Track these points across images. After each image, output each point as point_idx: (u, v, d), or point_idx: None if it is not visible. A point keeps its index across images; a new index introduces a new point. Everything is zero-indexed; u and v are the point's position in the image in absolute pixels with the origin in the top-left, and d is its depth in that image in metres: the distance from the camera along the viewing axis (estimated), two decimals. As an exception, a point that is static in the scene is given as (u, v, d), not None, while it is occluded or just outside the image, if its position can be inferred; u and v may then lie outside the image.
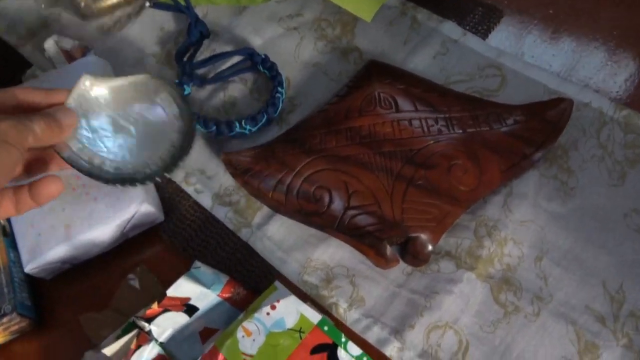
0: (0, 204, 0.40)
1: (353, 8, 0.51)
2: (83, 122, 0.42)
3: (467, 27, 0.56)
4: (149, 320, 0.44)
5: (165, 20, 0.64)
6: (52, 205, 0.51)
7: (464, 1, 0.58)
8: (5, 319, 0.47)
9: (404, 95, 0.50)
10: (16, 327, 0.48)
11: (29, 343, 0.50)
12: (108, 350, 0.42)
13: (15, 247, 0.51)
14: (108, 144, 0.43)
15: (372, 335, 0.45)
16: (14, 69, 0.63)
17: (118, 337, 0.44)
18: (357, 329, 0.45)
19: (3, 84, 0.61)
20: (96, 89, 0.43)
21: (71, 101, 0.41)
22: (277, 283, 0.45)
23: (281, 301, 0.43)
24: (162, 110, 0.44)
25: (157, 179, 0.43)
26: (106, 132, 0.43)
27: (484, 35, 0.56)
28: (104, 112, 0.43)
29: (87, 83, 0.43)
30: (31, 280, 0.52)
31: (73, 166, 0.41)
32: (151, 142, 0.44)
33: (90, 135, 0.42)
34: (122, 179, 0.42)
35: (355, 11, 0.51)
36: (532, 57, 0.54)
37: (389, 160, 0.48)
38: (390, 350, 0.44)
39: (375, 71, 0.53)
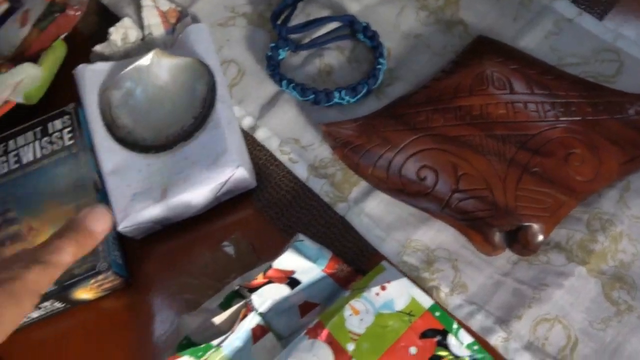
0: None
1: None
2: (137, 91, 0.53)
3: (583, 6, 0.54)
4: (252, 290, 0.44)
5: (257, -20, 0.62)
6: (150, 169, 0.50)
7: (580, -22, 0.55)
8: (100, 277, 0.47)
9: (518, 76, 0.48)
10: (109, 284, 0.49)
11: (118, 300, 0.51)
12: (218, 319, 0.42)
13: (107, 203, 0.50)
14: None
15: (476, 323, 0.44)
16: (103, 24, 0.61)
17: (222, 305, 0.43)
18: (459, 315, 0.44)
19: (93, 39, 0.60)
20: (156, 64, 0.53)
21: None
22: (384, 263, 0.44)
23: (392, 282, 0.42)
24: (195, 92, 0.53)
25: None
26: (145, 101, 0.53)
27: (600, 15, 0.53)
28: (152, 84, 0.53)
29: (153, 57, 0.52)
30: (120, 240, 0.52)
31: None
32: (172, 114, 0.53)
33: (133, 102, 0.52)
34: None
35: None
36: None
37: (502, 144, 0.46)
38: (495, 339, 0.43)
39: (486, 48, 0.51)
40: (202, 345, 0.40)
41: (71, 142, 0.53)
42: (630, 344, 0.42)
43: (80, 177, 0.51)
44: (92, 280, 0.47)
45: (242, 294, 0.44)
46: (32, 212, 0.50)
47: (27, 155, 0.53)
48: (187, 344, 0.42)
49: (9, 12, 0.58)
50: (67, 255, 0.35)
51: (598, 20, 0.53)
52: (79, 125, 0.54)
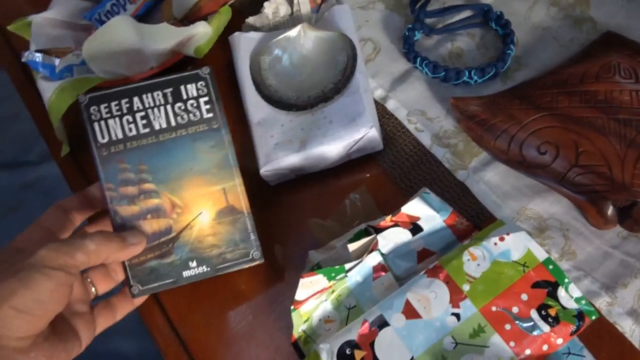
0: (99, 318, 0.47)
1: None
2: (285, 58, 0.59)
3: None
4: (379, 231, 0.49)
5: (398, -31, 0.68)
6: (292, 124, 0.57)
7: None
8: (253, 264, 0.50)
9: (645, 69, 0.52)
10: (252, 265, 0.51)
11: (254, 271, 0.54)
12: (352, 247, 0.48)
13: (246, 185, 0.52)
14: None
15: (582, 287, 0.47)
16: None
17: (350, 241, 0.49)
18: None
19: (243, 12, 0.68)
20: (303, 36, 0.59)
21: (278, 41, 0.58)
22: (504, 218, 0.48)
23: (511, 235, 0.46)
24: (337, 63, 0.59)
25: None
26: (290, 67, 0.59)
27: None
28: (298, 52, 0.59)
29: (300, 30, 0.59)
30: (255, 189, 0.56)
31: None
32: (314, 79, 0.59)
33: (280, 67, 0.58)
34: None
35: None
36: None
37: (624, 127, 0.49)
38: (600, 303, 0.47)
39: (614, 42, 0.54)
40: (336, 267, 0.46)
41: (210, 114, 0.51)
42: None
43: (224, 158, 0.50)
44: (245, 267, 0.50)
45: (369, 233, 0.49)
46: (173, 189, 0.50)
47: (160, 121, 0.50)
48: (318, 268, 0.48)
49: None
50: (90, 241, 0.42)
51: None
52: (217, 97, 0.51)
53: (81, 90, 0.58)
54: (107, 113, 0.50)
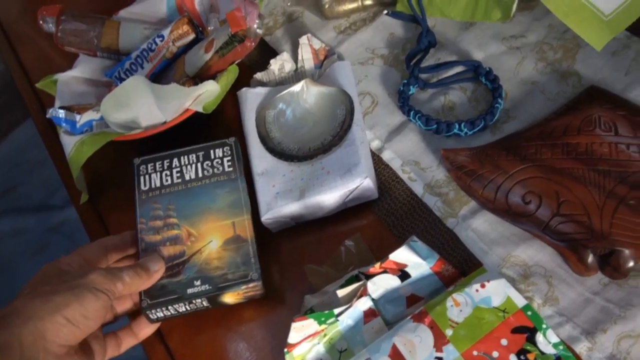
0: (107, 346, 0.52)
1: (586, 35, 0.55)
2: (288, 112, 0.65)
3: (694, 66, 0.59)
4: (369, 277, 0.52)
5: (395, 28, 0.72)
6: (293, 174, 0.60)
7: (693, 41, 0.60)
8: (251, 285, 0.55)
9: (624, 122, 0.54)
10: (252, 293, 0.56)
11: (254, 307, 0.59)
12: (340, 292, 0.51)
13: (255, 224, 0.59)
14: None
15: (564, 332, 0.49)
16: (262, 56, 0.74)
17: (342, 286, 0.52)
18: (549, 324, 0.50)
19: (252, 68, 0.73)
20: (306, 91, 0.65)
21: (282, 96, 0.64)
22: (486, 266, 0.51)
23: (491, 282, 0.48)
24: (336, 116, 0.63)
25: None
26: (293, 120, 0.65)
27: None
28: (301, 106, 0.64)
29: (303, 85, 0.64)
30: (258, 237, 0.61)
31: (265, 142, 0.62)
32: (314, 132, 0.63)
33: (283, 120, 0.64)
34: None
35: (588, 38, 0.55)
36: None
37: (603, 178, 0.52)
38: (580, 348, 0.48)
39: (597, 96, 0.57)
40: (325, 312, 0.49)
41: (230, 169, 0.62)
42: None
43: (237, 199, 0.60)
44: (244, 287, 0.55)
45: (360, 279, 0.52)
46: (191, 222, 0.59)
47: (190, 174, 0.62)
48: (311, 312, 0.51)
49: (193, 42, 0.72)
50: (126, 274, 0.50)
51: None
52: (238, 157, 0.63)
53: (99, 144, 0.63)
54: (151, 169, 0.64)
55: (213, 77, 0.67)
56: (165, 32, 0.71)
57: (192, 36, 0.72)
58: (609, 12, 0.55)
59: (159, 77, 0.73)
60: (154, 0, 0.77)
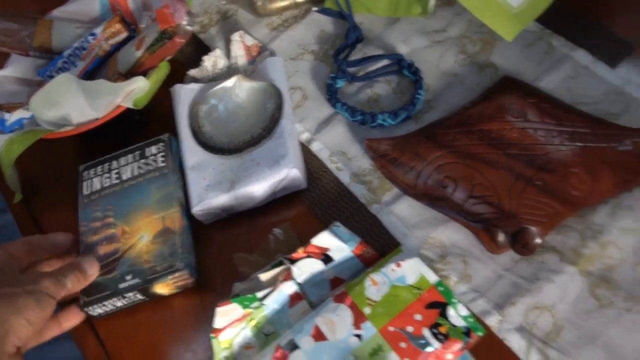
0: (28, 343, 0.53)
1: (497, 28, 0.58)
2: (220, 107, 0.66)
3: (599, 56, 0.62)
4: (293, 262, 0.54)
5: (325, 24, 0.74)
6: (223, 167, 0.62)
7: (595, 33, 0.63)
8: (177, 274, 0.57)
9: (533, 108, 0.57)
10: (182, 282, 0.58)
11: (188, 297, 0.60)
12: (263, 277, 0.52)
13: (187, 216, 0.62)
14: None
15: (477, 307, 0.52)
16: (196, 52, 0.76)
17: (267, 271, 0.53)
18: (464, 299, 0.52)
19: (186, 64, 0.74)
20: (238, 86, 0.66)
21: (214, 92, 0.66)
22: (402, 247, 0.53)
23: (406, 261, 0.51)
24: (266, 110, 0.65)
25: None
26: (225, 114, 0.66)
27: (614, 64, 0.62)
28: (233, 101, 0.66)
29: (236, 81, 0.66)
30: (192, 228, 0.63)
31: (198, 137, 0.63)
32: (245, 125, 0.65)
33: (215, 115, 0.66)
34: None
35: (499, 31, 0.59)
36: (658, 90, 0.59)
37: (513, 161, 0.55)
38: (491, 320, 0.51)
39: (510, 85, 0.60)
40: (249, 296, 0.51)
41: (163, 164, 0.64)
42: (607, 334, 0.48)
43: (168, 194, 0.62)
44: (170, 277, 0.57)
45: (284, 264, 0.54)
46: (126, 220, 0.61)
47: (127, 173, 0.65)
48: (237, 297, 0.52)
49: (126, 40, 0.73)
50: (69, 280, 0.53)
51: (610, 68, 0.61)
52: (171, 152, 0.65)
53: (29, 141, 0.63)
54: (93, 174, 0.66)
55: (145, 73, 0.68)
56: (98, 31, 0.72)
57: (124, 34, 0.72)
58: (517, 4, 0.58)
59: (92, 75, 0.73)
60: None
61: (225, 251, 0.61)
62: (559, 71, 0.62)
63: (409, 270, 0.51)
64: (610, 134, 0.55)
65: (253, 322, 0.53)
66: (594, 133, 0.55)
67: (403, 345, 0.48)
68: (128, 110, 0.65)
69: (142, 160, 0.65)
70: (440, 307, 0.49)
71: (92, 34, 0.72)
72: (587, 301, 0.50)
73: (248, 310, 0.52)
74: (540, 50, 0.64)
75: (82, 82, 0.63)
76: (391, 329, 0.49)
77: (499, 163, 0.55)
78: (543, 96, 0.59)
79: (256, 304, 0.52)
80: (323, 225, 0.60)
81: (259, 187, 0.60)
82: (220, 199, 0.61)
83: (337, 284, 0.54)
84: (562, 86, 0.61)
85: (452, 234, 0.56)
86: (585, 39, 0.64)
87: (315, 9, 0.75)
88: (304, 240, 0.60)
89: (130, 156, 0.66)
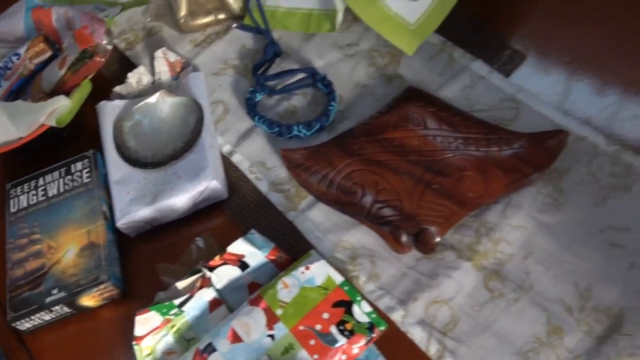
0: None
1: (398, 43, 0.63)
2: (144, 122, 0.69)
3: (494, 67, 0.67)
4: (211, 269, 0.57)
5: (246, 40, 0.78)
6: (146, 181, 0.64)
7: (493, 44, 0.69)
8: (101, 286, 0.59)
9: (432, 117, 0.62)
10: (108, 294, 0.61)
11: (115, 309, 0.63)
12: (180, 284, 0.55)
13: (113, 230, 0.64)
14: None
15: (383, 303, 0.56)
16: (123, 69, 0.78)
17: (184, 279, 0.56)
18: (371, 297, 0.56)
19: (113, 81, 0.76)
20: (161, 102, 0.69)
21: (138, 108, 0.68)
22: (312, 251, 0.57)
23: (314, 264, 0.55)
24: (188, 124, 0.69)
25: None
26: (149, 129, 0.69)
27: (507, 74, 0.67)
28: (156, 117, 0.69)
29: (159, 96, 0.69)
30: (118, 241, 0.65)
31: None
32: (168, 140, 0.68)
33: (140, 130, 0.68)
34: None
35: (400, 45, 0.63)
36: (545, 95, 0.64)
37: (413, 167, 0.59)
38: (396, 316, 0.55)
39: (412, 95, 0.65)
40: (166, 303, 0.53)
41: (88, 180, 0.66)
42: (499, 322, 0.53)
43: (93, 208, 0.64)
44: (95, 289, 0.59)
45: (202, 272, 0.57)
46: (52, 235, 0.63)
47: (53, 190, 0.66)
48: (155, 305, 0.55)
49: (51, 59, 0.75)
50: None
51: (505, 77, 0.67)
52: (96, 167, 0.67)
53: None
54: (20, 192, 0.68)
55: (69, 92, 0.70)
56: (22, 51, 0.74)
57: (48, 53, 0.74)
58: (413, 21, 0.63)
59: (17, 94, 0.75)
60: (11, 18, 0.79)
61: (150, 262, 0.64)
62: (458, 81, 0.67)
63: (317, 272, 0.54)
64: (502, 138, 0.60)
65: (174, 329, 0.56)
66: (486, 138, 0.60)
67: (312, 342, 0.51)
68: (54, 127, 0.67)
69: (68, 177, 0.67)
70: (345, 305, 0.53)
71: (16, 54, 0.73)
72: (481, 293, 0.55)
73: (168, 317, 0.55)
74: (441, 61, 0.69)
75: (2, 104, 0.65)
76: (301, 328, 0.52)
77: (401, 169, 0.59)
78: (442, 105, 0.64)
79: (175, 310, 0.55)
80: (243, 233, 0.63)
81: (180, 200, 0.63)
82: (143, 212, 0.63)
83: (255, 289, 0.57)
84: (461, 95, 0.66)
85: (362, 237, 0.60)
86: (482, 50, 0.69)
87: (235, 25, 0.78)
88: (225, 248, 0.63)
89: (56, 173, 0.68)
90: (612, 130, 0.61)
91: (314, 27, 0.73)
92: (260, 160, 0.68)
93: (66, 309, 0.60)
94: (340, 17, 0.70)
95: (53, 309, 0.59)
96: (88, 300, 0.61)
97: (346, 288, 0.54)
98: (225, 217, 0.66)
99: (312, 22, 0.73)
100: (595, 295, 0.53)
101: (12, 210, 0.67)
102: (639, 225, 0.55)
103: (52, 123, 0.66)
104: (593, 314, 0.52)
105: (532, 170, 0.58)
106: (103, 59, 0.69)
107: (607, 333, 0.51)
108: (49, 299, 0.59)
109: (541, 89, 0.65)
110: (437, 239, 0.56)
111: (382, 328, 0.52)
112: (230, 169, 0.68)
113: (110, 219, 0.65)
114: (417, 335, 0.54)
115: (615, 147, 0.59)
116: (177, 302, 0.54)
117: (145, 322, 0.53)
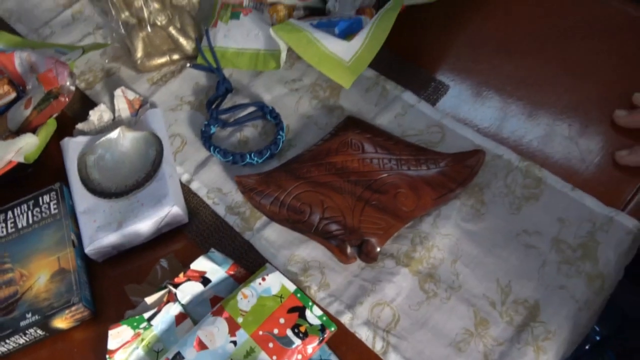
0: None
1: (336, 78, 0.71)
2: (107, 156, 0.75)
3: (422, 96, 0.77)
4: (176, 285, 0.63)
5: (199, 78, 0.85)
6: (112, 210, 0.70)
7: (420, 78, 0.78)
8: (73, 308, 0.64)
9: (369, 142, 0.70)
10: (79, 315, 0.65)
11: (86, 329, 0.67)
12: (149, 300, 0.61)
13: (81, 256, 0.69)
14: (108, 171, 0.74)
15: (333, 309, 0.63)
16: (84, 108, 0.84)
17: (152, 295, 0.62)
18: (322, 304, 0.63)
19: (75, 119, 0.82)
20: (122, 137, 0.75)
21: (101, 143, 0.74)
22: (267, 264, 0.64)
23: (270, 275, 0.61)
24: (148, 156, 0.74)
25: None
26: (112, 162, 0.75)
27: (433, 103, 0.76)
28: (118, 150, 0.75)
29: (120, 132, 0.75)
30: (87, 266, 0.70)
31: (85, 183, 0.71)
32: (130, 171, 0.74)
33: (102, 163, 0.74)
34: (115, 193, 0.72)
35: (338, 80, 0.71)
36: (466, 120, 0.74)
37: (354, 186, 0.67)
38: (345, 318, 0.62)
39: (351, 124, 0.73)
40: (136, 317, 0.59)
41: (56, 211, 0.71)
42: (434, 318, 0.61)
43: (61, 236, 0.68)
44: (67, 311, 0.64)
45: (169, 288, 0.63)
46: (23, 263, 0.67)
47: (22, 222, 0.71)
48: (126, 319, 0.60)
49: (15, 100, 0.80)
50: None
51: (431, 106, 0.76)
52: (63, 199, 0.72)
53: None
54: None
55: (34, 130, 0.75)
56: (-14, 93, 0.78)
57: (13, 95, 0.79)
58: (347, 59, 0.71)
59: (-17, 134, 0.79)
60: (-26, 64, 0.84)
61: (118, 284, 0.69)
62: (391, 110, 0.76)
63: (272, 283, 0.61)
64: (429, 159, 0.69)
65: (144, 342, 0.61)
66: (416, 159, 0.69)
67: (271, 345, 0.58)
68: (20, 163, 0.72)
69: (36, 209, 0.72)
70: (299, 310, 0.60)
71: (-19, 97, 0.78)
72: (418, 294, 0.63)
73: (138, 331, 0.60)
74: (376, 93, 0.78)
75: (-26, 142, 0.70)
76: (260, 333, 0.58)
77: (343, 189, 0.67)
78: (377, 131, 0.72)
79: (144, 324, 0.60)
80: (204, 252, 0.70)
81: (144, 225, 0.69)
82: (110, 238, 0.68)
83: (217, 302, 0.63)
84: (394, 122, 0.75)
85: (312, 251, 0.67)
86: (412, 82, 0.78)
87: (189, 64, 0.85)
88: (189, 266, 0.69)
89: (24, 206, 0.72)
90: (523, 149, 0.70)
91: (261, 66, 0.81)
92: (216, 187, 0.74)
93: (40, 332, 0.65)
94: (284, 56, 0.78)
95: (27, 331, 0.64)
96: (61, 322, 0.65)
97: (299, 295, 0.60)
98: (186, 239, 0.72)
99: (259, 61, 0.80)
100: (514, 290, 0.61)
101: None
102: (548, 229, 0.64)
103: (21, 159, 0.71)
104: (513, 307, 0.61)
105: (457, 185, 0.67)
106: (67, 99, 0.74)
107: (525, 322, 0.60)
108: (23, 323, 0.64)
109: (462, 115, 0.74)
110: (378, 249, 0.64)
111: (333, 329, 0.59)
112: (189, 196, 0.74)
113: (78, 245, 0.70)
114: (364, 334, 0.61)
115: (526, 163, 0.69)
116: (146, 315, 0.60)
117: (118, 335, 0.59)
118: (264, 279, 0.61)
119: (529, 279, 0.62)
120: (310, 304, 0.60)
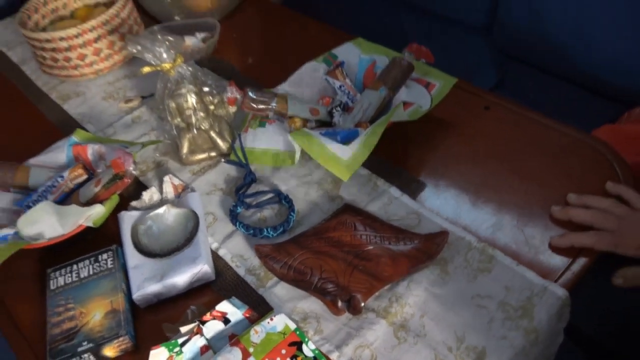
0: None
1: (336, 173, 0.93)
2: (154, 226, 0.94)
3: (405, 191, 0.98)
4: (203, 322, 0.81)
5: (231, 170, 1.07)
6: (156, 266, 0.89)
7: (404, 177, 1.00)
8: (120, 339, 0.82)
9: (360, 223, 0.90)
10: (124, 346, 0.83)
11: (129, 358, 0.85)
12: (183, 329, 0.78)
13: (129, 301, 0.88)
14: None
15: (324, 348, 0.80)
16: (138, 190, 1.06)
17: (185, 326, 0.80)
18: (316, 345, 0.80)
19: (130, 198, 1.03)
20: (167, 212, 0.95)
21: (150, 216, 0.94)
22: (274, 311, 0.82)
23: (276, 317, 0.79)
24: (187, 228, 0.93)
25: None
26: (158, 232, 0.95)
27: (414, 196, 0.97)
28: (163, 223, 0.94)
29: (166, 208, 0.95)
30: (133, 310, 0.89)
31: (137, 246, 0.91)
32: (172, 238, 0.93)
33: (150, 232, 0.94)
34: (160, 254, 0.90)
35: (338, 175, 0.93)
36: (438, 210, 0.94)
37: (346, 255, 0.86)
38: (333, 356, 0.79)
39: (347, 209, 0.94)
40: (172, 342, 0.77)
41: (112, 265, 0.91)
42: (403, 359, 0.78)
43: (114, 285, 0.88)
44: (115, 341, 0.82)
45: (197, 323, 0.81)
46: (83, 304, 0.86)
47: (84, 273, 0.89)
48: (164, 343, 0.78)
49: (86, 180, 1.02)
50: None
51: (412, 198, 0.96)
52: (117, 257, 0.92)
53: (13, 250, 0.89)
54: (58, 274, 0.90)
55: (101, 202, 0.97)
56: (65, 174, 1.01)
57: (84, 176, 1.02)
58: (346, 158, 0.93)
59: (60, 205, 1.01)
60: (56, 152, 1.08)
61: (156, 325, 0.87)
62: (380, 200, 0.97)
63: (278, 322, 0.79)
64: (407, 237, 0.88)
65: (175, 366, 0.78)
66: (396, 237, 0.88)
67: (274, 370, 0.75)
68: (88, 227, 0.93)
69: (96, 264, 0.91)
70: (297, 344, 0.77)
71: (61, 176, 1.01)
72: (392, 340, 0.80)
73: (172, 354, 0.78)
74: (369, 187, 0.99)
75: (57, 206, 0.91)
76: (266, 360, 0.76)
77: (338, 256, 0.86)
78: (367, 215, 0.92)
79: (177, 349, 0.78)
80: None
81: (180, 279, 0.88)
82: (153, 288, 0.87)
83: (234, 337, 0.81)
84: (382, 209, 0.95)
85: (311, 304, 0.85)
86: (397, 180, 0.99)
87: (223, 160, 1.08)
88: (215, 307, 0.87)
89: (87, 261, 0.92)
90: (480, 233, 0.90)
91: (280, 162, 1.03)
92: (239, 254, 0.94)
93: (92, 358, 0.82)
94: (297, 155, 1.01)
95: (82, 356, 0.81)
96: (109, 351, 0.82)
97: (298, 332, 0.78)
98: (212, 293, 0.90)
99: (279, 159, 1.03)
100: (467, 339, 0.78)
101: (52, 288, 0.89)
102: (496, 294, 0.82)
103: (90, 224, 0.92)
104: (465, 352, 0.77)
105: (427, 258, 0.86)
106: (129, 180, 0.96)
107: (475, 365, 0.76)
108: (79, 349, 0.81)
109: (435, 207, 0.95)
110: (362, 304, 0.82)
111: (323, 360, 0.76)
112: (217, 259, 0.94)
113: (127, 293, 0.89)
114: (348, 369, 0.78)
115: (482, 244, 0.88)
116: (180, 341, 0.78)
117: (156, 356, 0.76)
118: (271, 319, 0.79)
119: (479, 331, 0.79)
120: (306, 340, 0.77)
